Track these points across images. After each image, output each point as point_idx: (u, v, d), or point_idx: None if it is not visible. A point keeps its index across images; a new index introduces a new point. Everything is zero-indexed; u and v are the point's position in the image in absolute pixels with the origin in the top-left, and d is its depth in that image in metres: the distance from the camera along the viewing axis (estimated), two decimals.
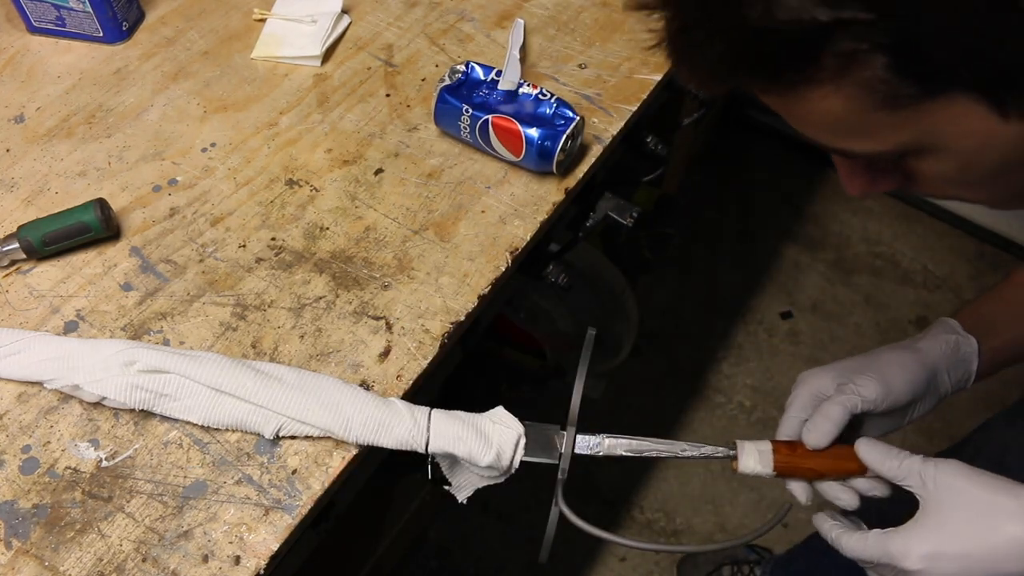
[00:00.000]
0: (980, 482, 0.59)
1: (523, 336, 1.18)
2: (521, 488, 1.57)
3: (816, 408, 0.70)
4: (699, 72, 0.43)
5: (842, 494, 0.69)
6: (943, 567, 0.58)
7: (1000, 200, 0.51)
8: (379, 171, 0.84)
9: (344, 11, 0.98)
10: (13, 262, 0.76)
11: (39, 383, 0.68)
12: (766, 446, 0.69)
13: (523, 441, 0.67)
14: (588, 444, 0.69)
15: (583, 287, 1.09)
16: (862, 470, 0.68)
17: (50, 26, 0.94)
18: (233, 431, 0.66)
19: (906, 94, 0.40)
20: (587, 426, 0.70)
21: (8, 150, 0.85)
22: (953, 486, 0.59)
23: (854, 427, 0.70)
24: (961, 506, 0.59)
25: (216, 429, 0.66)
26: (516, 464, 0.67)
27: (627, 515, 1.54)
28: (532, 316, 1.11)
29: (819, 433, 0.67)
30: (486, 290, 0.76)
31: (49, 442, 0.66)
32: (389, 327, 0.73)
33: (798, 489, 0.70)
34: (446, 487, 0.71)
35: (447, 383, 0.84)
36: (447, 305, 0.74)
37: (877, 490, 0.68)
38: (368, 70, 0.93)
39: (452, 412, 0.67)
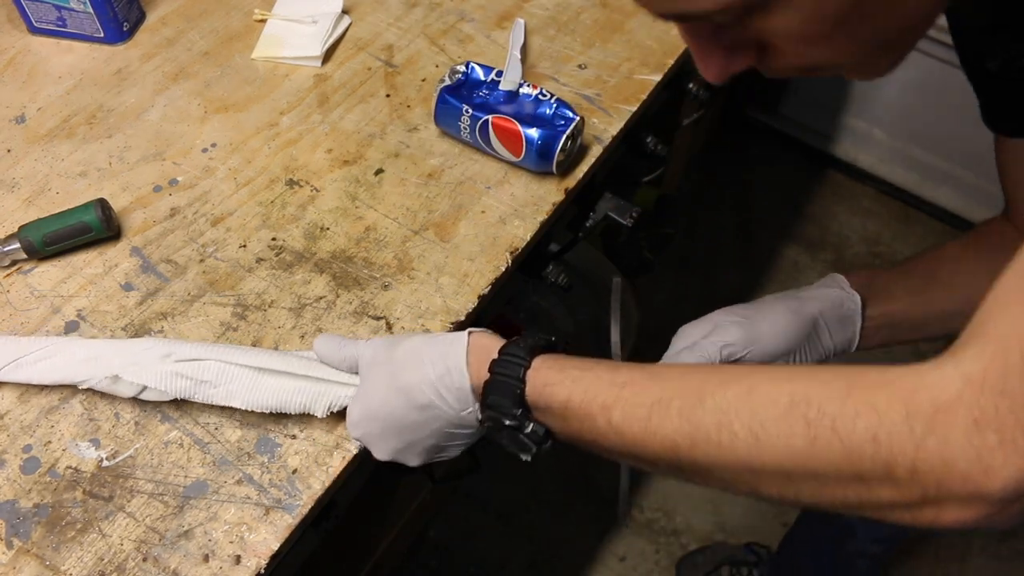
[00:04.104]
0: (391, 340, 0.63)
1: None
2: (521, 488, 1.58)
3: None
4: None
5: None
6: (365, 428, 0.63)
7: (861, 58, 0.49)
8: (379, 171, 0.84)
9: (344, 11, 0.98)
10: (14, 262, 0.76)
11: (73, 385, 0.67)
12: None
13: None
14: None
15: (583, 287, 1.09)
16: None
17: (51, 27, 0.94)
18: (275, 413, 0.65)
19: None
20: None
21: (9, 150, 0.85)
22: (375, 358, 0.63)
23: None
24: (374, 374, 0.62)
25: (217, 429, 0.66)
26: None
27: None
28: (532, 316, 1.11)
29: None
30: (486, 290, 0.76)
31: (50, 442, 0.66)
32: (389, 327, 0.73)
33: None
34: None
35: None
36: (447, 305, 0.74)
37: None
38: (368, 70, 0.93)
39: None
